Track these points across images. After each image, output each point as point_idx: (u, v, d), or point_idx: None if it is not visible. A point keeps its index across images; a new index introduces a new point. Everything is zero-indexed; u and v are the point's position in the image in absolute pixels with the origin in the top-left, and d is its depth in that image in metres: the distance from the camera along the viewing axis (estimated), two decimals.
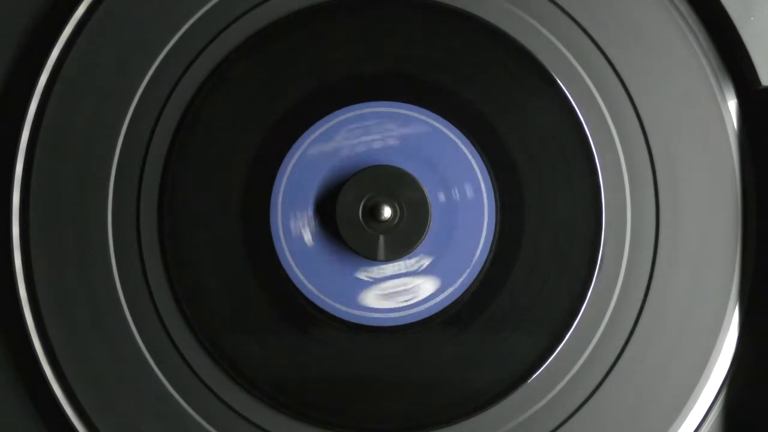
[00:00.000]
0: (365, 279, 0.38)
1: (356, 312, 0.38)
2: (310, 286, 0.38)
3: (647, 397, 0.38)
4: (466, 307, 0.38)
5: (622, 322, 0.39)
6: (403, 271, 0.38)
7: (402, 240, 0.38)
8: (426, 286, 0.38)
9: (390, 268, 0.38)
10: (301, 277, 0.38)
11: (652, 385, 0.39)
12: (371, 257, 0.37)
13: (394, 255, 0.37)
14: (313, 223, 0.38)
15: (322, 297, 0.38)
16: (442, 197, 0.38)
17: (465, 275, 0.38)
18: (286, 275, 0.38)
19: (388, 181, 0.38)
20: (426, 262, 0.38)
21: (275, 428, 0.39)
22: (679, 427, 0.39)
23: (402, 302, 0.38)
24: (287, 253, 0.38)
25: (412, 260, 0.38)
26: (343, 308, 0.38)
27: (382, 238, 0.37)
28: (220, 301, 0.38)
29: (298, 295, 0.38)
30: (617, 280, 0.39)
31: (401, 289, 0.38)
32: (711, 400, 0.39)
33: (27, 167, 0.38)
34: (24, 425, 0.39)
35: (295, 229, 0.38)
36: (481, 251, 0.38)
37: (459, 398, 0.38)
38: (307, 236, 0.38)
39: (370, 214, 0.37)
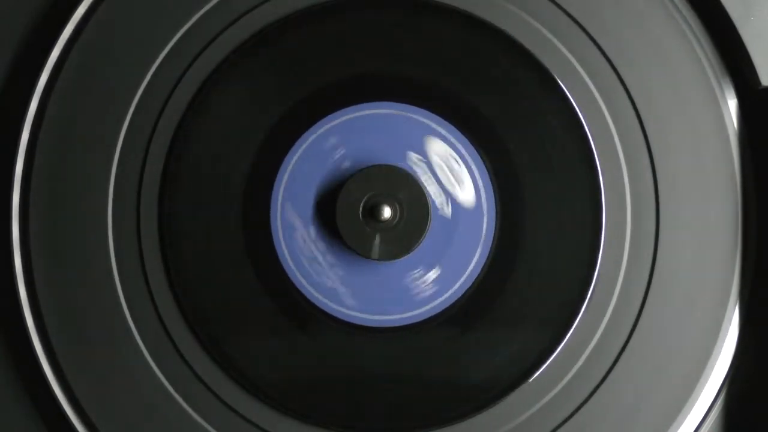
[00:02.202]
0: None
1: (356, 313, 0.38)
2: (310, 287, 0.38)
3: (647, 396, 0.38)
4: (467, 307, 0.38)
5: (622, 322, 0.39)
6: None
7: (399, 241, 0.38)
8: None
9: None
10: (301, 278, 0.38)
11: (652, 384, 0.39)
12: (366, 255, 0.37)
13: (388, 255, 0.37)
14: (313, 222, 0.38)
15: (322, 298, 0.38)
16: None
17: (465, 276, 0.38)
18: (287, 275, 0.38)
19: (390, 181, 0.37)
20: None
21: (275, 428, 0.39)
22: (679, 427, 0.39)
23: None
24: (287, 254, 0.38)
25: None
26: (343, 309, 0.38)
27: (378, 237, 0.37)
28: (220, 302, 0.38)
29: (298, 295, 0.38)
30: (617, 280, 0.39)
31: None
32: (711, 400, 0.39)
33: (27, 167, 0.38)
34: (24, 425, 0.39)
35: (296, 229, 0.38)
36: (481, 252, 0.38)
37: (459, 398, 0.38)
38: (308, 235, 0.38)
39: (371, 213, 0.37)
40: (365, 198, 0.37)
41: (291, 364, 0.38)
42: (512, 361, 0.38)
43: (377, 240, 0.37)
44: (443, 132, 0.38)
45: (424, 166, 0.38)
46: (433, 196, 0.38)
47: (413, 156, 0.38)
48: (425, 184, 0.38)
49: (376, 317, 0.38)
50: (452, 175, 0.38)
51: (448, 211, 0.38)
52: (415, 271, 0.38)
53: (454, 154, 0.38)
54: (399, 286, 0.38)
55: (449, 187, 0.38)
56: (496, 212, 0.38)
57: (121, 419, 0.38)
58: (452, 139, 0.38)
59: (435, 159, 0.38)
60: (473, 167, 0.38)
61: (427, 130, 0.39)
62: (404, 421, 0.38)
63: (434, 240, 0.38)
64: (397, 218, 0.37)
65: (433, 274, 0.38)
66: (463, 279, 0.38)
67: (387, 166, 0.38)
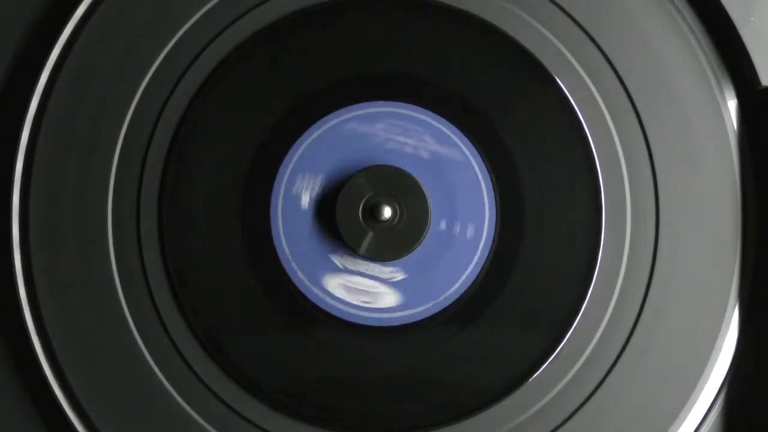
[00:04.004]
0: (337, 264, 0.38)
1: (356, 313, 0.38)
2: (310, 286, 0.38)
3: (647, 396, 0.38)
4: (466, 307, 0.38)
5: (622, 323, 0.39)
6: (375, 274, 0.38)
7: (393, 243, 0.38)
8: (388, 299, 0.38)
9: (365, 265, 0.38)
10: (302, 278, 0.38)
11: (652, 385, 0.39)
12: (354, 248, 0.37)
13: (375, 255, 0.37)
14: (313, 221, 0.38)
15: (322, 297, 0.38)
16: (442, 214, 0.38)
17: (465, 276, 0.38)
18: (287, 275, 0.38)
19: (393, 182, 0.37)
20: (399, 276, 0.38)
21: (275, 428, 0.39)
22: (679, 427, 0.39)
23: (360, 302, 0.38)
24: (288, 254, 0.38)
25: (388, 269, 0.38)
26: (344, 308, 0.38)
27: (370, 234, 0.37)
28: (220, 302, 0.38)
29: (298, 295, 0.38)
30: (617, 280, 0.39)
31: (363, 290, 0.38)
32: (711, 400, 0.39)
33: (27, 167, 0.38)
34: (24, 425, 0.39)
35: (296, 228, 0.38)
36: (481, 252, 0.38)
37: (459, 398, 0.38)
38: (308, 235, 0.38)
39: (371, 212, 0.37)
40: (365, 198, 0.37)
41: (291, 364, 0.38)
42: (512, 361, 0.38)
43: (368, 237, 0.37)
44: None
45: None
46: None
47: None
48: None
49: (376, 317, 0.38)
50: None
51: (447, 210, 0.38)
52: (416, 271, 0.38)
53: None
54: (399, 285, 0.38)
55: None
56: (496, 212, 0.38)
57: (121, 419, 0.38)
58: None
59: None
60: (473, 167, 0.38)
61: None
62: (404, 421, 0.38)
63: (435, 239, 0.38)
64: (397, 219, 0.37)
65: (433, 274, 0.38)
66: (463, 279, 0.38)
67: (388, 166, 0.38)
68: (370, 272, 0.38)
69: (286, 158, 0.38)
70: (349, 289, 0.38)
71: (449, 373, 0.38)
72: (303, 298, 0.38)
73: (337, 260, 0.38)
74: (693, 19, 0.39)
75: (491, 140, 0.38)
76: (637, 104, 0.39)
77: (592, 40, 0.39)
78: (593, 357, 0.39)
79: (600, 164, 0.38)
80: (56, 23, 0.39)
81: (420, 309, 0.38)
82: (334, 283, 0.38)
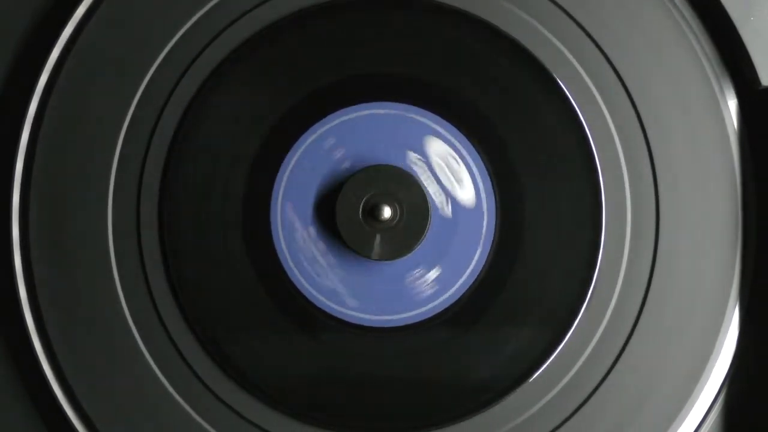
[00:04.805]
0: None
1: (356, 313, 0.38)
2: (310, 287, 0.38)
3: (647, 396, 0.38)
4: (467, 307, 0.38)
5: (622, 322, 0.39)
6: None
7: (399, 241, 0.38)
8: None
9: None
10: (301, 278, 0.38)
11: (652, 384, 0.39)
12: (366, 255, 0.37)
13: (388, 255, 0.37)
14: (313, 222, 0.38)
15: (322, 298, 0.38)
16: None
17: (465, 276, 0.38)
18: (287, 275, 0.38)
19: (390, 181, 0.37)
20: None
21: (275, 428, 0.39)
22: (679, 426, 0.39)
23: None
24: (288, 254, 0.38)
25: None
26: (344, 309, 0.38)
27: (378, 237, 0.37)
28: (220, 302, 0.38)
29: (298, 295, 0.38)
30: (617, 280, 0.39)
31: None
32: (711, 400, 0.39)
33: (27, 167, 0.38)
34: (24, 425, 0.39)
35: (296, 229, 0.38)
36: (481, 252, 0.38)
37: (459, 398, 0.38)
38: (308, 236, 0.38)
39: (370, 213, 0.37)
40: (365, 198, 0.37)
41: (291, 364, 0.38)
42: (512, 361, 0.38)
43: (377, 240, 0.37)
44: (443, 132, 0.38)
45: (424, 165, 0.38)
46: (433, 196, 0.38)
47: (413, 156, 0.38)
48: (425, 183, 0.38)
49: (376, 317, 0.38)
50: (452, 174, 0.38)
51: (448, 210, 0.38)
52: (416, 271, 0.38)
53: (454, 154, 0.38)
54: (399, 286, 0.38)
55: (449, 187, 0.38)
56: (496, 212, 0.38)
57: (121, 419, 0.38)
58: (452, 139, 0.38)
59: (435, 159, 0.38)
60: (473, 167, 0.38)
61: (427, 130, 0.39)
62: (404, 421, 0.38)
63: (434, 240, 0.38)
64: (397, 218, 0.37)
65: (433, 274, 0.38)
66: (463, 279, 0.38)
67: (387, 166, 0.38)
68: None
69: (287, 157, 0.38)
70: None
71: (449, 373, 0.38)
72: (303, 298, 0.38)
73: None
74: (693, 19, 0.39)
75: (491, 140, 0.38)
76: (637, 104, 0.39)
77: (592, 40, 0.39)
78: (593, 357, 0.39)
79: (600, 164, 0.38)
80: (56, 23, 0.39)
81: (420, 309, 0.38)
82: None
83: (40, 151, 0.38)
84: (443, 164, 0.38)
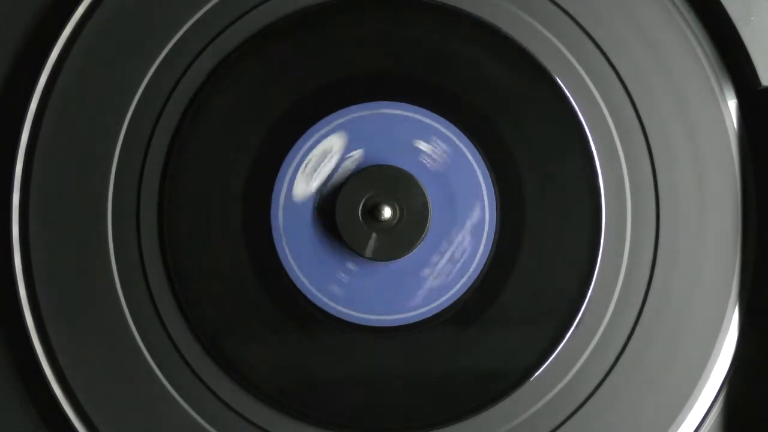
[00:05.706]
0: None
1: (356, 313, 0.38)
2: (310, 287, 0.38)
3: (647, 396, 0.38)
4: (467, 306, 0.38)
5: (622, 322, 0.39)
6: None
7: (397, 242, 0.37)
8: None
9: None
10: (302, 278, 0.38)
11: (653, 384, 0.39)
12: (360, 252, 0.37)
13: (382, 255, 0.37)
14: (313, 222, 0.38)
15: (323, 298, 0.38)
16: (442, 199, 0.38)
17: (466, 276, 0.38)
18: (287, 275, 0.38)
19: (390, 181, 0.37)
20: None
21: (276, 428, 0.39)
22: (680, 426, 0.39)
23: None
24: (288, 254, 0.38)
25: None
26: (344, 309, 0.38)
27: (374, 236, 0.37)
28: (220, 302, 0.38)
29: (298, 295, 0.38)
30: (617, 280, 0.39)
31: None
32: (711, 400, 0.39)
33: (27, 167, 0.38)
34: (24, 425, 0.39)
35: (296, 229, 0.38)
36: (482, 252, 0.38)
37: (459, 398, 0.38)
38: (308, 235, 0.38)
39: (371, 213, 0.37)
40: (365, 198, 0.37)
41: (291, 364, 0.38)
42: (512, 360, 0.38)
43: (373, 239, 0.37)
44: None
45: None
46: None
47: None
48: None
49: (377, 317, 0.38)
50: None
51: (448, 210, 0.38)
52: (417, 272, 0.38)
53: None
54: (399, 286, 0.38)
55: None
56: (497, 211, 0.38)
57: (121, 419, 0.38)
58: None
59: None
60: (473, 167, 0.38)
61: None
62: (404, 421, 0.38)
63: (435, 240, 0.38)
64: (397, 219, 0.37)
65: (434, 274, 0.38)
66: (464, 278, 0.38)
67: (387, 166, 0.38)
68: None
69: (288, 157, 0.38)
70: None
71: (449, 373, 0.38)
72: (303, 298, 0.38)
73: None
74: (693, 19, 0.39)
75: (491, 140, 0.38)
76: (637, 104, 0.39)
77: (592, 40, 0.39)
78: (593, 357, 0.39)
79: (600, 164, 0.38)
80: (56, 23, 0.39)
81: (420, 309, 0.38)
82: None
83: (40, 151, 0.38)
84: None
